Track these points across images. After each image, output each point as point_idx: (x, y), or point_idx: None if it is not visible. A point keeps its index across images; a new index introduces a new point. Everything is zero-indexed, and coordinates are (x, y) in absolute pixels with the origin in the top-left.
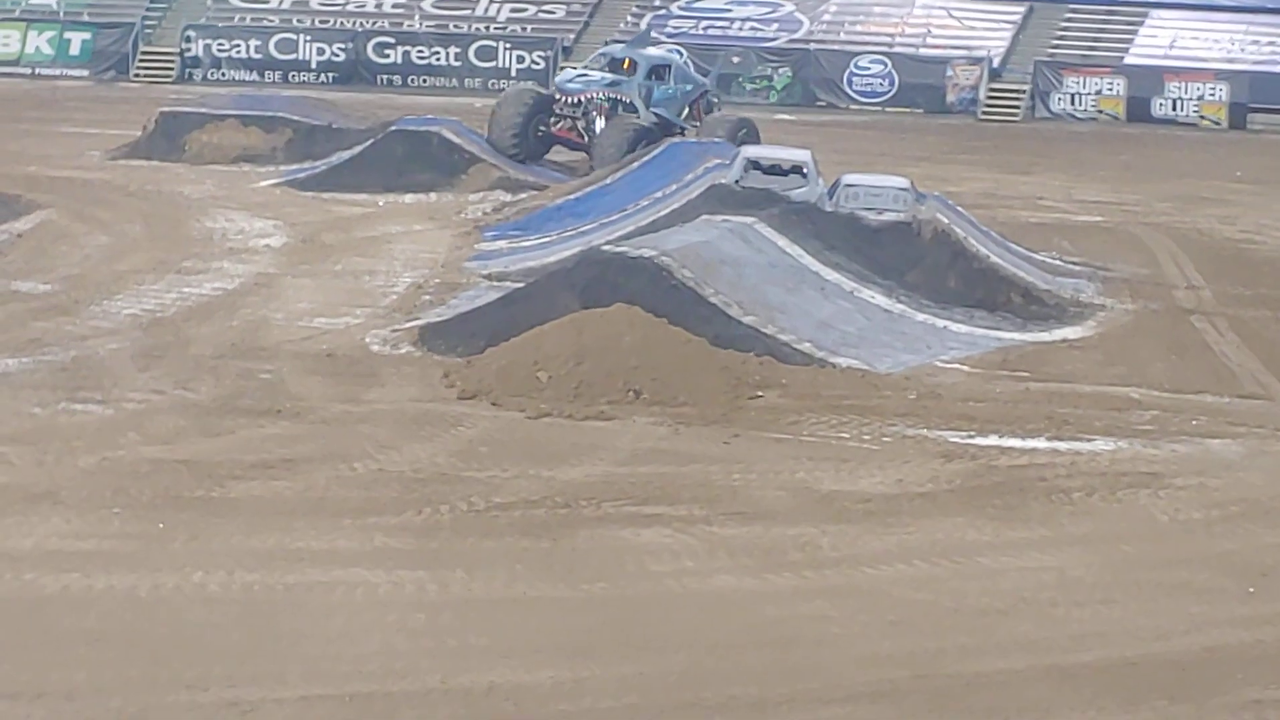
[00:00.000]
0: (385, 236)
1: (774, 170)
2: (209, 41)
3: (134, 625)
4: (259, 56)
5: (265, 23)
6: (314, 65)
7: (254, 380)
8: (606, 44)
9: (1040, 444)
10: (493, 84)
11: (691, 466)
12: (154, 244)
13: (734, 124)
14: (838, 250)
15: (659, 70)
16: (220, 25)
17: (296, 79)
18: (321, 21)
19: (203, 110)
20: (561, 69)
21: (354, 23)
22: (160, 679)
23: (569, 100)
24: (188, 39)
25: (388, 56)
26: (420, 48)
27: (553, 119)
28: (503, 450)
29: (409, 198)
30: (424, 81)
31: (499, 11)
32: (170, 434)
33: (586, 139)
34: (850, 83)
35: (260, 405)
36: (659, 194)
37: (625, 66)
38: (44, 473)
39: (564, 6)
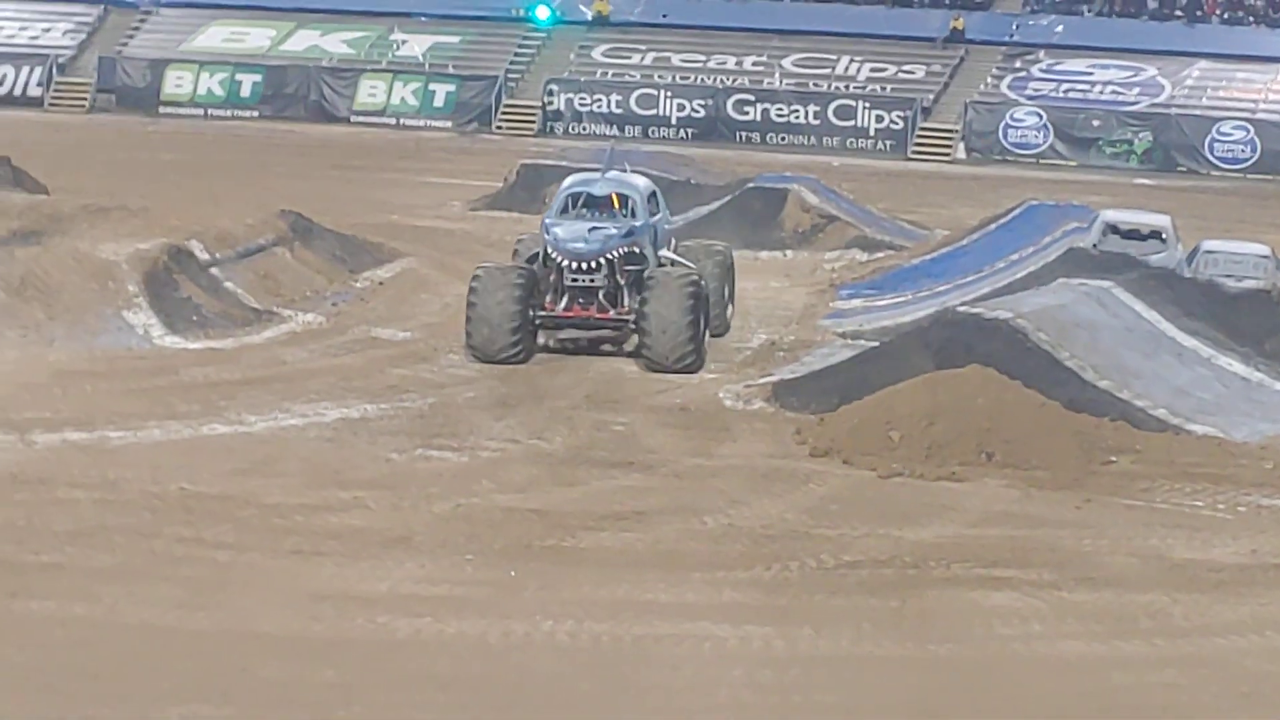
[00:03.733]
0: (740, 292)
1: (1133, 235)
2: (571, 95)
3: (483, 671)
4: (619, 111)
5: (627, 78)
6: (674, 121)
7: (607, 432)
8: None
9: None
10: (851, 143)
11: (1042, 530)
12: None
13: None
14: (1195, 316)
15: (655, 200)
16: (582, 80)
17: (656, 134)
18: (682, 78)
19: (564, 164)
20: (553, 226)
21: (714, 79)
22: None
23: (579, 266)
24: (550, 93)
25: (747, 113)
26: (779, 105)
27: (552, 296)
28: (853, 508)
29: (764, 254)
30: (782, 139)
31: (859, 70)
32: (524, 483)
33: (615, 313)
34: (1211, 148)
35: (613, 457)
36: (1015, 256)
37: (616, 204)
38: (399, 518)
39: (924, 66)
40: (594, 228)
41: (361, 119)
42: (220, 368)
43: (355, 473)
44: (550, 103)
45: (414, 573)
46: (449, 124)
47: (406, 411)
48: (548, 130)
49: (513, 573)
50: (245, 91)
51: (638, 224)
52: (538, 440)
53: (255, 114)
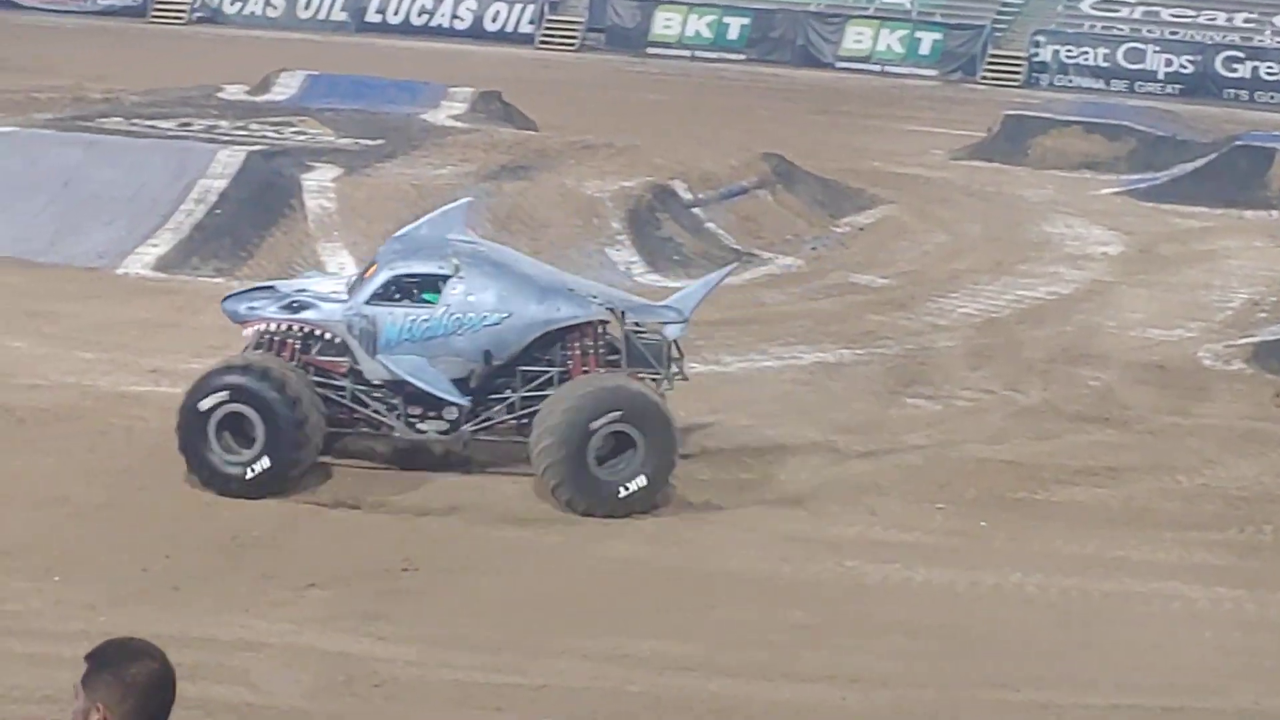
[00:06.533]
0: (1223, 251)
1: None
2: (1057, 47)
3: (950, 620)
4: (1106, 64)
5: (1115, 31)
6: (1160, 76)
7: (1083, 386)
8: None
9: None
10: None
11: None
12: (991, 245)
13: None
14: None
15: (416, 286)
16: (1070, 31)
17: (1141, 89)
18: (1171, 33)
19: (1048, 115)
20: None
21: (1204, 35)
22: (972, 675)
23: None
24: (1036, 44)
25: (1236, 71)
26: (1270, 63)
27: None
28: None
29: (1249, 213)
30: (1271, 98)
31: None
32: (997, 434)
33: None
34: None
35: (1088, 411)
36: None
37: (368, 273)
38: (871, 464)
39: None
40: (261, 289)
41: (846, 65)
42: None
43: (828, 416)
44: (1036, 54)
45: (884, 519)
46: (934, 72)
47: (882, 358)
48: (1033, 81)
49: (983, 523)
50: (733, 34)
51: (319, 303)
52: (1013, 392)
53: (741, 57)
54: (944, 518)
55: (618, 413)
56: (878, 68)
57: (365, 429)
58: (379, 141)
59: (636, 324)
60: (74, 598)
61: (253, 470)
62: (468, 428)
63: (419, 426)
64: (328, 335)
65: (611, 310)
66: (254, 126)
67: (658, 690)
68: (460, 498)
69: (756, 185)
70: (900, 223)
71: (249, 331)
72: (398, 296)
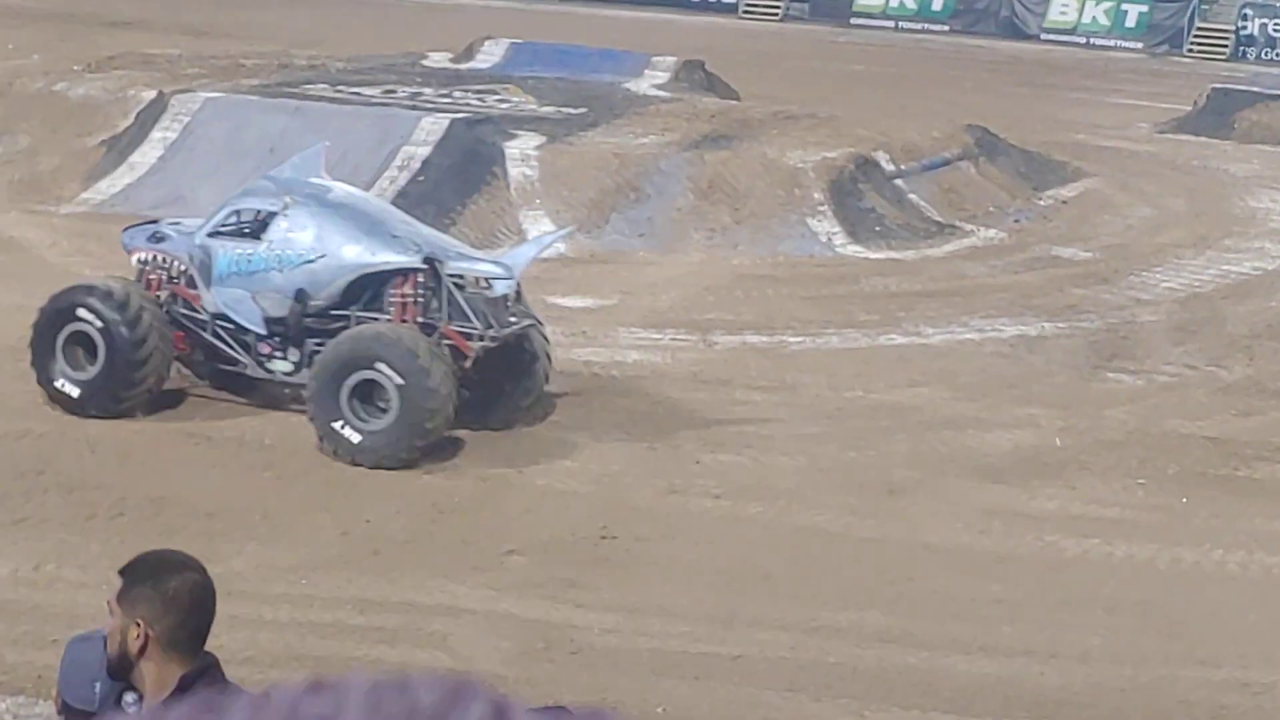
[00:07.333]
0: None
1: None
2: (1265, 20)
3: (1150, 597)
4: None
5: None
6: None
7: None
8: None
9: None
10: None
11: None
12: (1195, 219)
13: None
14: None
15: (248, 221)
16: (1278, 5)
17: None
18: None
19: (1255, 89)
20: None
21: None
22: (1173, 652)
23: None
24: (1244, 17)
25: None
26: None
27: None
28: None
29: None
30: None
31: None
32: (1200, 410)
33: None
34: None
35: None
36: None
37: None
38: (1072, 437)
39: None
40: (148, 221)
41: (1051, 36)
42: (900, 279)
43: (1029, 390)
44: (1244, 27)
45: (1084, 494)
46: (1139, 45)
47: (1084, 332)
48: (1239, 55)
49: (1185, 499)
50: (937, 5)
51: (176, 236)
52: (1216, 367)
53: (945, 28)
54: (1145, 493)
55: (369, 361)
56: (1083, 40)
57: (224, 364)
58: (581, 110)
59: (458, 277)
60: (276, 560)
61: (90, 386)
62: (309, 370)
63: (267, 365)
64: (181, 267)
65: (430, 261)
66: (457, 94)
67: (855, 662)
68: (659, 467)
69: (959, 157)
70: (1104, 196)
71: (133, 260)
72: (233, 230)
